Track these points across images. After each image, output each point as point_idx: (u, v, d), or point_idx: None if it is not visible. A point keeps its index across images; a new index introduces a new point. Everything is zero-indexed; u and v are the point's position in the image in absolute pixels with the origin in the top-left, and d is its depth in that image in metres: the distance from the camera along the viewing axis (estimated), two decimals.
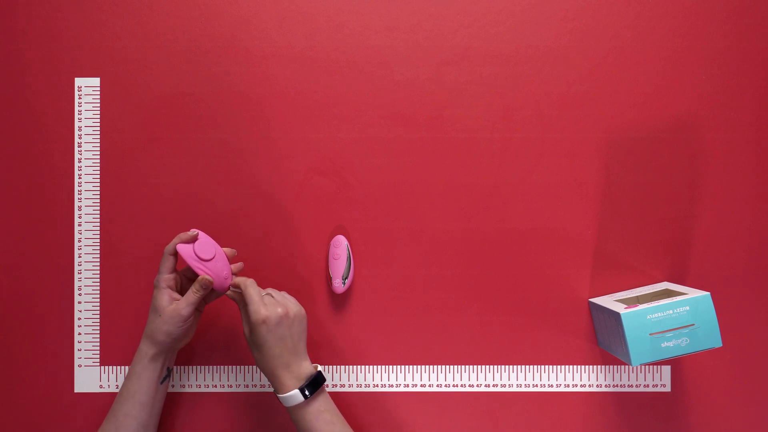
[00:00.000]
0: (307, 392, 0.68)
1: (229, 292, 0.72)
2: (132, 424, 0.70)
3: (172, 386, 0.79)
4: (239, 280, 0.71)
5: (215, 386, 0.80)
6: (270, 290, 0.72)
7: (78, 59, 0.79)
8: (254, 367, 0.80)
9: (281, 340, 0.68)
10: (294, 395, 0.68)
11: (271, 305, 0.69)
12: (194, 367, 0.80)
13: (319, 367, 0.71)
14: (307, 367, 0.70)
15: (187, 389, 0.79)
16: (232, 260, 0.74)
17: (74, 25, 0.79)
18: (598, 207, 0.80)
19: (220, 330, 0.79)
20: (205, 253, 0.69)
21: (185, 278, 0.73)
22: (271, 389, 0.79)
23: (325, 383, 0.72)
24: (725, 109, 0.80)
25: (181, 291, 0.72)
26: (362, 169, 0.80)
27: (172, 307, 0.69)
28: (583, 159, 0.80)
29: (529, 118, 0.80)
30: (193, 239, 0.70)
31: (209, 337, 0.79)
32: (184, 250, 0.69)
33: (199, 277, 0.69)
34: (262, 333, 0.68)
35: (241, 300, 0.71)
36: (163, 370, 0.72)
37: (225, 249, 0.73)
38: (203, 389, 0.80)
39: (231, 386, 0.80)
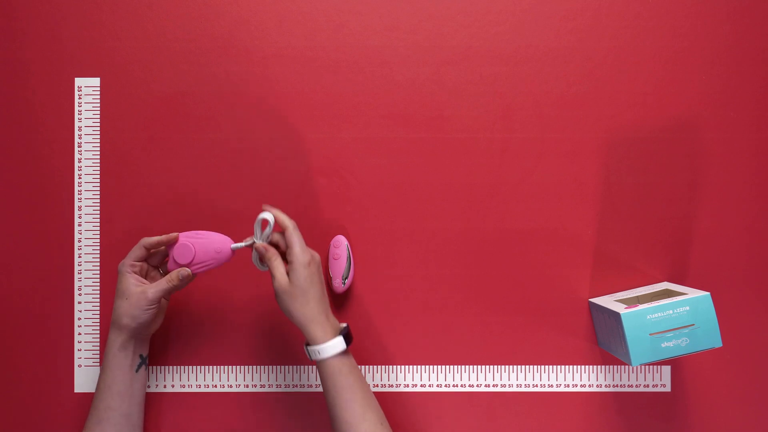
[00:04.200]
0: (345, 342, 0.68)
1: (257, 244, 0.70)
2: (114, 416, 0.70)
3: (164, 387, 0.79)
4: (283, 219, 0.69)
5: (207, 387, 0.80)
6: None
7: (78, 59, 0.79)
8: (249, 367, 0.80)
9: (322, 285, 0.69)
10: (338, 342, 0.68)
11: (308, 248, 0.69)
12: (192, 367, 0.80)
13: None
14: (336, 321, 0.71)
15: (181, 389, 0.79)
16: (174, 241, 0.72)
17: (74, 25, 0.79)
18: (598, 207, 0.80)
19: (215, 329, 0.79)
20: (184, 258, 0.71)
21: (150, 267, 0.73)
22: (264, 389, 0.79)
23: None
24: (725, 109, 0.80)
25: (146, 277, 0.72)
26: (362, 169, 0.80)
27: (140, 290, 0.69)
28: (583, 159, 0.80)
29: (529, 118, 0.80)
30: (174, 240, 0.71)
31: (206, 336, 0.80)
32: (171, 268, 0.71)
33: (180, 269, 0.69)
34: (310, 274, 0.68)
35: (265, 252, 0.70)
36: (135, 358, 0.71)
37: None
38: (196, 389, 0.80)
39: (222, 387, 0.80)
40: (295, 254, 0.68)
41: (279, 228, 0.71)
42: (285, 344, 0.79)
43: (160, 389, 0.79)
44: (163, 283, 0.69)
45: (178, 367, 0.79)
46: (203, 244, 0.71)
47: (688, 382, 0.80)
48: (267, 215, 0.69)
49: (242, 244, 0.71)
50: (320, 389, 0.79)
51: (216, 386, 0.80)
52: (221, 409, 0.79)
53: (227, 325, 0.80)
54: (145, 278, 0.72)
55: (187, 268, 0.70)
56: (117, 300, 0.70)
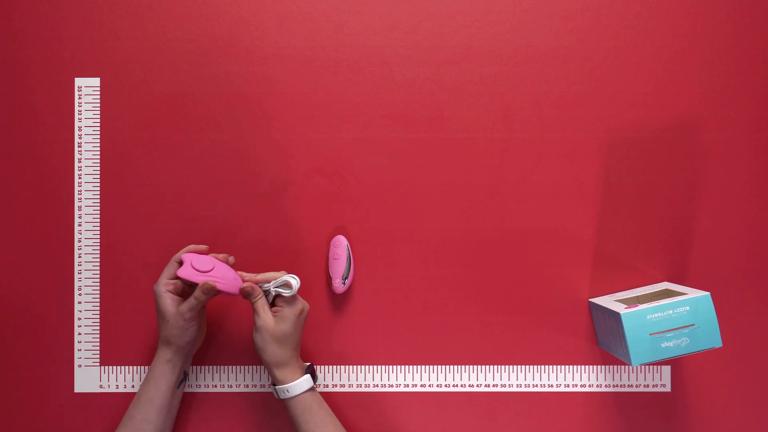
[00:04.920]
0: (312, 379, 0.72)
1: (245, 285, 0.71)
2: (149, 429, 0.71)
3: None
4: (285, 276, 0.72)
5: (218, 386, 0.80)
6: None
7: (78, 59, 0.79)
8: (249, 367, 0.80)
9: (301, 333, 0.73)
10: (306, 379, 0.71)
11: (300, 298, 0.73)
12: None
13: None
14: (302, 361, 0.75)
15: (195, 389, 0.79)
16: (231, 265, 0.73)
17: (74, 25, 0.79)
18: (598, 207, 0.80)
19: (229, 331, 0.79)
20: (203, 265, 0.70)
21: (185, 283, 0.73)
22: (264, 389, 0.79)
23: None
24: (725, 109, 0.80)
25: (181, 294, 0.72)
26: (362, 169, 0.80)
27: (174, 310, 0.70)
28: (583, 159, 0.80)
29: (529, 118, 0.80)
30: (203, 251, 0.73)
31: (219, 337, 0.79)
32: (183, 272, 0.70)
33: (202, 283, 0.69)
34: (301, 323, 0.72)
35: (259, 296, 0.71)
36: (180, 374, 0.73)
37: (221, 255, 0.73)
38: (212, 389, 0.80)
39: (238, 386, 0.80)
40: (296, 301, 0.71)
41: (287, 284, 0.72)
42: None
43: None
44: (191, 300, 0.70)
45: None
46: (223, 267, 0.71)
47: (688, 382, 0.80)
48: (293, 281, 0.71)
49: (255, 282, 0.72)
50: (320, 389, 0.79)
51: (216, 386, 0.80)
52: (221, 410, 0.79)
53: (227, 326, 0.79)
54: (181, 294, 0.72)
55: (210, 282, 0.69)
56: (159, 322, 0.71)
